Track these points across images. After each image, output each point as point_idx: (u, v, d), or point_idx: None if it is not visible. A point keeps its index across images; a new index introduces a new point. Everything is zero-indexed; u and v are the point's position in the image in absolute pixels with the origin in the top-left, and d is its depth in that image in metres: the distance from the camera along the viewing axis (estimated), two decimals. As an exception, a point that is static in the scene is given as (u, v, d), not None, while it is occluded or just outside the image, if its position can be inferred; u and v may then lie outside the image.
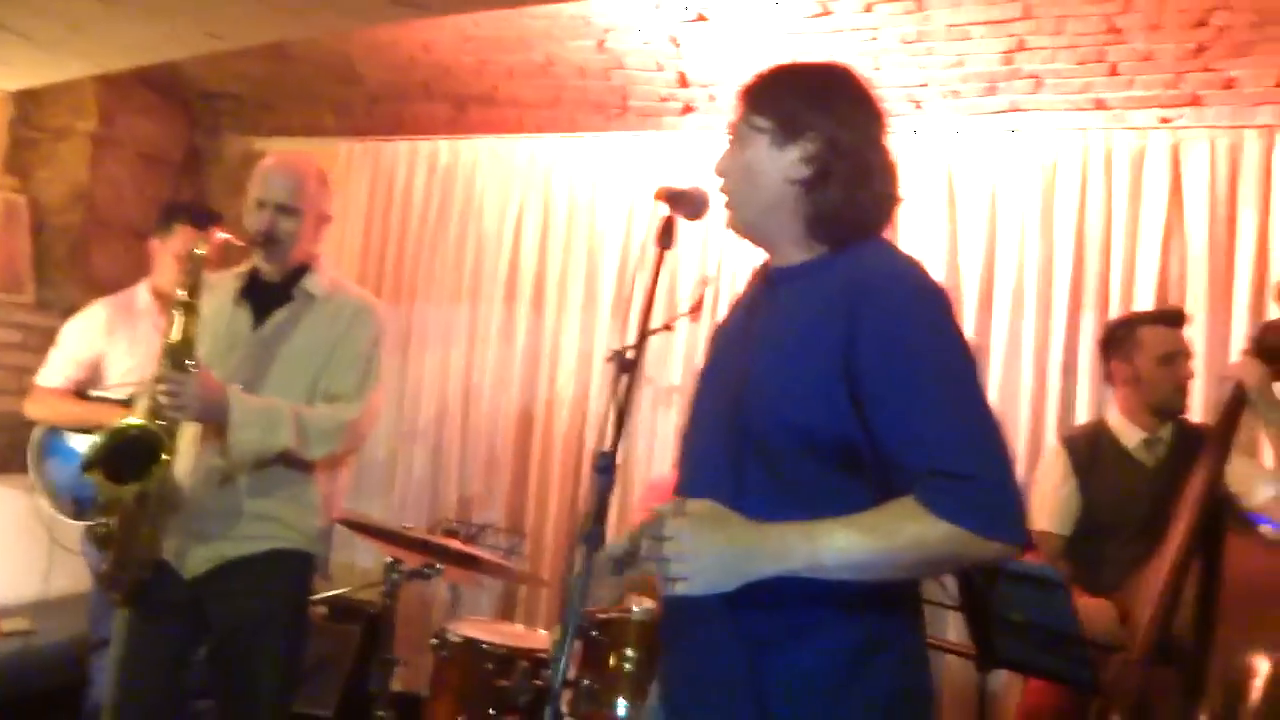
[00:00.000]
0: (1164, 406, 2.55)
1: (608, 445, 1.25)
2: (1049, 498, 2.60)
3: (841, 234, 1.37)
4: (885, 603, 1.29)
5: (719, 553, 1.19)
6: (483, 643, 2.81)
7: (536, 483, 3.93)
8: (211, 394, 2.12)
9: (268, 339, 2.30)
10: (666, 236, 1.31)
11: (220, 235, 2.29)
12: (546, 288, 4.03)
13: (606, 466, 1.22)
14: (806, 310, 1.33)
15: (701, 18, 3.49)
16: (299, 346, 2.30)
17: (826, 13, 3.35)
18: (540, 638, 3.03)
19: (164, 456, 2.08)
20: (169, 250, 3.08)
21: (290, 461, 2.22)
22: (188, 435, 2.20)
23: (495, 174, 4.14)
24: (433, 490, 4.07)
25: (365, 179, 4.30)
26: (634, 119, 4.08)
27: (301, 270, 2.36)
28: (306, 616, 2.40)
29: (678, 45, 3.67)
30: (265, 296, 2.33)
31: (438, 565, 2.83)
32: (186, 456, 2.21)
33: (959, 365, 1.28)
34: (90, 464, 2.08)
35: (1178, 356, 2.57)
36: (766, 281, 1.44)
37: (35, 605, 3.49)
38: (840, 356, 1.25)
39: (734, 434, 1.32)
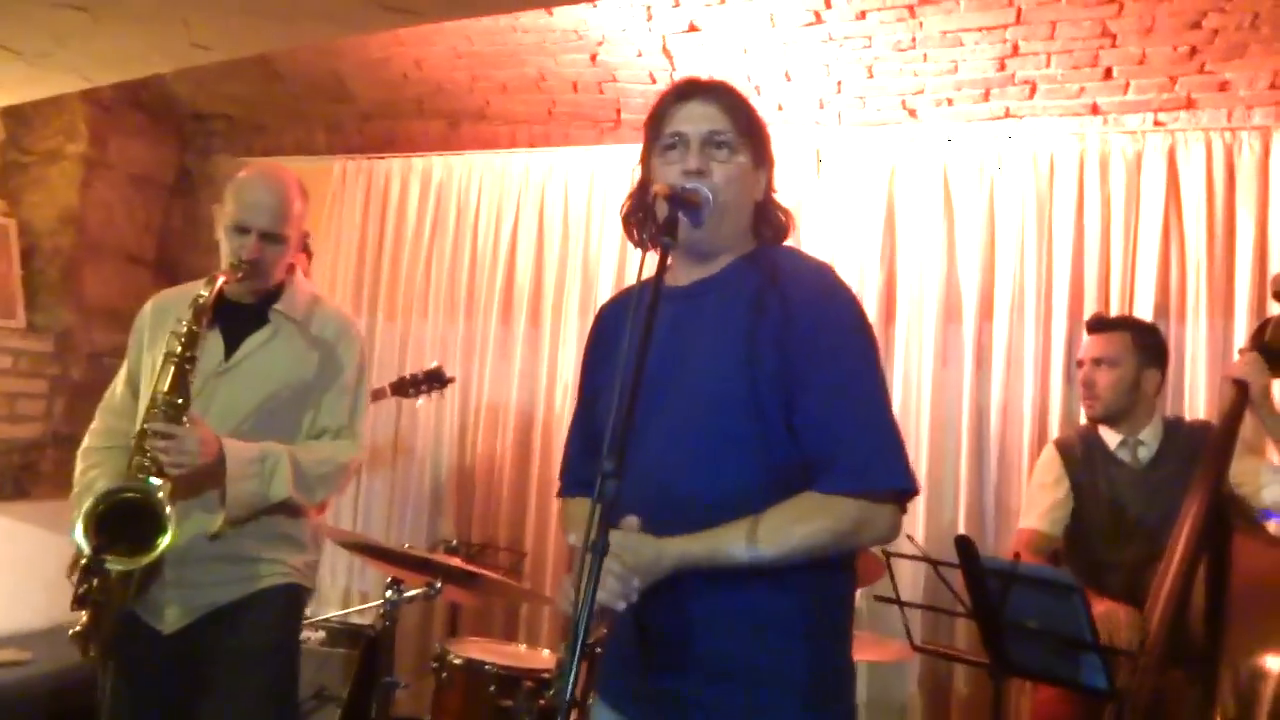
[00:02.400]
0: (1085, 411, 2.64)
1: (613, 450, 1.21)
2: (1041, 498, 2.61)
3: (773, 242, 1.55)
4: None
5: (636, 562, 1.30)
6: (485, 663, 2.76)
7: (537, 500, 3.89)
8: (209, 449, 1.98)
9: (243, 369, 2.13)
10: (671, 233, 1.28)
11: (221, 279, 2.08)
12: (543, 303, 4.00)
13: (613, 471, 1.18)
14: (739, 308, 1.43)
15: (694, 28, 3.48)
16: (279, 376, 2.13)
17: (819, 21, 3.34)
18: (543, 657, 2.99)
19: (167, 528, 1.94)
20: None
21: (281, 506, 2.09)
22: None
23: (489, 190, 4.12)
24: (432, 510, 4.02)
25: (359, 197, 4.27)
26: (628, 132, 4.07)
27: (276, 289, 2.19)
28: (297, 647, 2.24)
29: (670, 57, 3.66)
30: (237, 321, 2.15)
31: (438, 585, 2.79)
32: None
33: (873, 357, 1.43)
34: (86, 529, 1.93)
35: (1085, 362, 2.62)
36: (684, 297, 1.49)
37: (34, 635, 3.43)
38: (774, 335, 1.38)
39: (710, 430, 1.40)
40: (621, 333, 1.36)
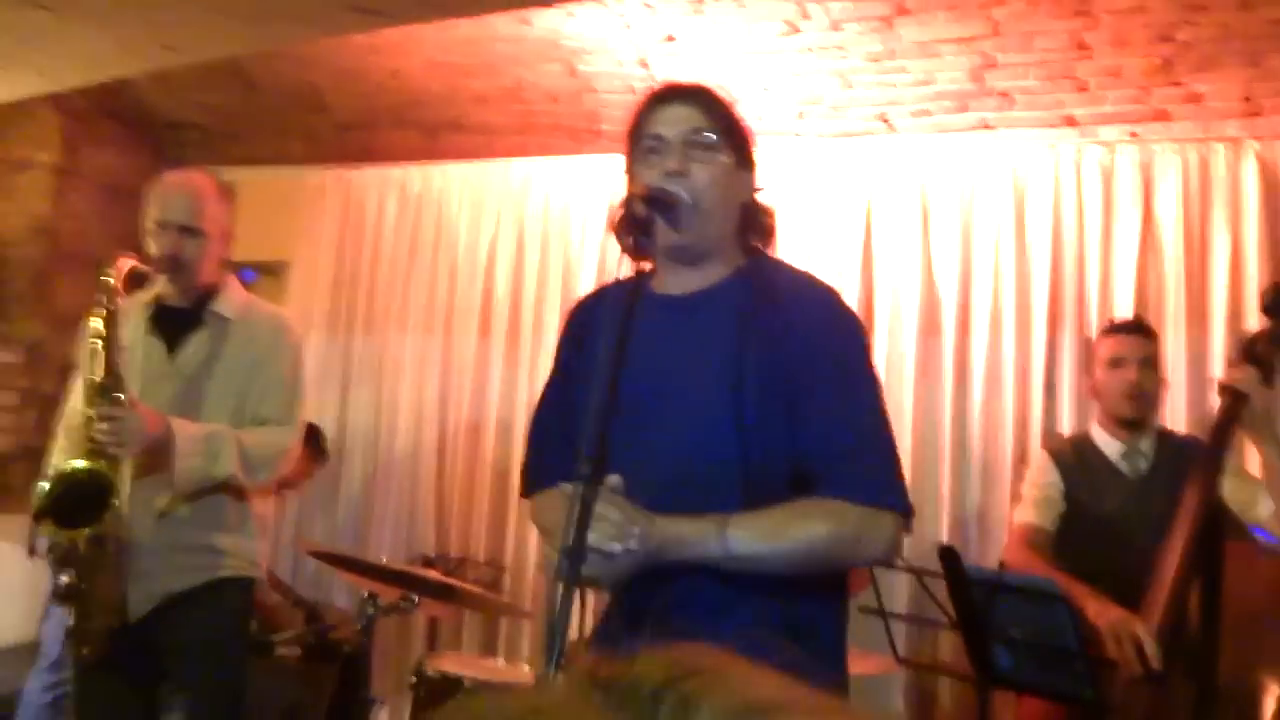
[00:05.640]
0: (1115, 413, 2.52)
1: (591, 455, 1.18)
2: (1034, 494, 2.57)
3: (761, 246, 1.54)
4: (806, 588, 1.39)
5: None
6: (464, 679, 2.72)
7: (516, 513, 3.84)
8: (152, 426, 2.09)
9: (185, 369, 2.27)
10: (646, 233, 1.26)
11: (127, 261, 2.22)
12: (522, 315, 3.97)
13: (590, 475, 1.16)
14: (729, 328, 1.42)
15: (671, 39, 3.48)
16: (219, 373, 2.27)
17: (795, 31, 3.35)
18: (523, 672, 2.95)
19: (113, 497, 2.04)
20: None
21: (228, 489, 2.21)
22: (123, 472, 2.15)
23: (467, 200, 4.10)
24: (409, 524, 3.97)
25: (335, 208, 4.23)
26: (606, 142, 4.05)
27: (210, 292, 2.32)
28: (247, 640, 2.42)
29: (648, 67, 3.66)
30: (175, 323, 2.29)
31: (415, 598, 2.74)
32: (123, 493, 2.15)
33: (877, 388, 1.47)
34: (41, 512, 2.03)
35: (1124, 362, 2.51)
36: (677, 308, 1.46)
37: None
38: (767, 359, 1.38)
39: (688, 448, 1.39)
40: (599, 334, 1.33)
